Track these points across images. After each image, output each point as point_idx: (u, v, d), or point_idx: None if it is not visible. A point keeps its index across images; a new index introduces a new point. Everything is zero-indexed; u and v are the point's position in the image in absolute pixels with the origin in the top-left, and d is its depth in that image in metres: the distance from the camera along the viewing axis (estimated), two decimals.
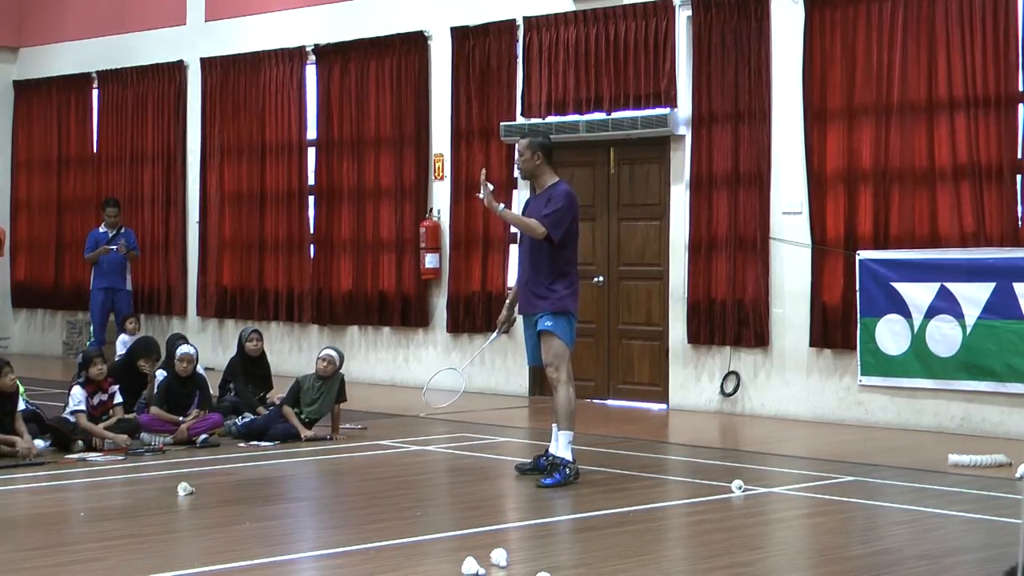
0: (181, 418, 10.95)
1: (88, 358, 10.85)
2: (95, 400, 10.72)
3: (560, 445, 9.20)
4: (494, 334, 10.02)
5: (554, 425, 9.35)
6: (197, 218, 17.77)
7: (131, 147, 18.63)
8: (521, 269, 9.56)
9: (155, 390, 11.16)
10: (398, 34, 15.74)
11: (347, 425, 11.61)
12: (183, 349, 11.29)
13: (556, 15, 14.31)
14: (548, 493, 8.90)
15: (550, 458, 9.22)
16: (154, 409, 10.99)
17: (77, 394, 10.62)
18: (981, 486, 9.20)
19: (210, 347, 16.87)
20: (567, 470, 9.09)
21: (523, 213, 9.50)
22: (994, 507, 8.44)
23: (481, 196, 9.41)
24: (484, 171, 9.81)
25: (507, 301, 9.91)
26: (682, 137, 13.48)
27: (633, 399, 13.93)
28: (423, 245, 15.27)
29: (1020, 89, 11.60)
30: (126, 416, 10.89)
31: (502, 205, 9.43)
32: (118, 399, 10.88)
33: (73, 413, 10.54)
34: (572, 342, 9.37)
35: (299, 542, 7.76)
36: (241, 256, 17.27)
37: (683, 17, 13.46)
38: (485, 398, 14.44)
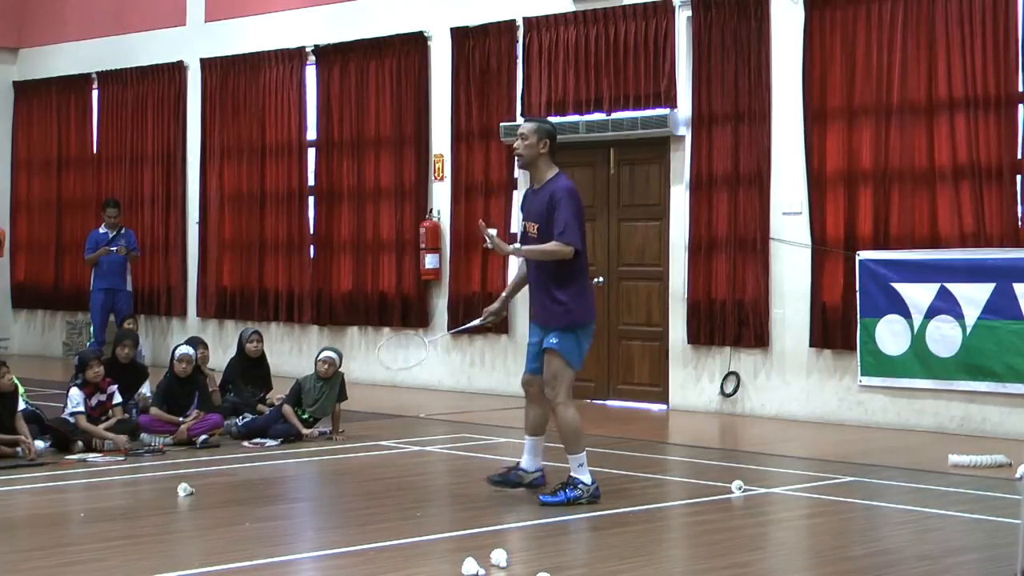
0: (181, 419, 10.95)
1: (84, 360, 10.84)
2: (93, 401, 10.73)
3: (572, 468, 8.58)
4: (475, 321, 9.28)
5: (528, 438, 8.79)
6: (197, 218, 17.77)
7: (131, 147, 18.63)
8: (529, 272, 8.78)
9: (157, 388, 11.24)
10: (398, 34, 15.74)
11: (321, 428, 11.47)
12: (182, 350, 11.30)
13: (556, 15, 14.31)
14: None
15: (568, 477, 8.61)
16: (154, 410, 11.00)
17: (75, 396, 10.62)
18: (981, 486, 9.20)
19: (210, 348, 16.83)
20: (577, 491, 8.47)
21: (522, 209, 8.84)
22: (994, 507, 8.44)
23: (489, 245, 8.68)
24: (482, 221, 9.15)
25: (503, 295, 9.19)
26: (682, 137, 13.48)
27: (633, 399, 13.92)
28: (423, 246, 15.27)
29: (1020, 89, 11.61)
30: (126, 416, 10.90)
31: (515, 244, 8.69)
32: (117, 399, 10.89)
33: (72, 415, 10.54)
34: (579, 360, 8.64)
35: (299, 542, 7.77)
36: (241, 256, 17.27)
37: (683, 17, 13.46)
38: (485, 398, 14.45)
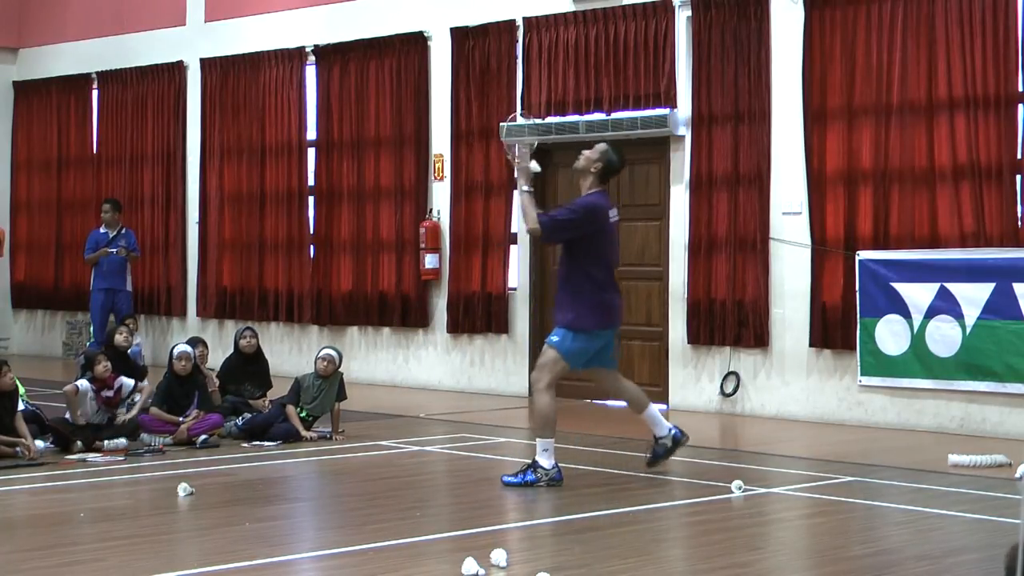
0: (181, 418, 10.95)
1: (90, 358, 10.89)
2: (102, 397, 10.75)
3: (537, 451, 9.16)
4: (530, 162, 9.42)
5: (641, 416, 9.59)
6: (197, 218, 17.77)
7: (131, 147, 18.63)
8: (559, 272, 9.60)
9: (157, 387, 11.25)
10: (398, 34, 15.74)
11: (321, 430, 11.49)
12: (180, 348, 11.32)
13: (556, 15, 14.31)
14: (515, 490, 8.98)
15: (532, 459, 9.16)
16: (154, 410, 11.00)
17: (85, 384, 10.63)
18: (981, 486, 9.20)
19: (210, 348, 16.82)
20: (536, 474, 9.04)
21: None
22: (994, 507, 8.44)
23: (515, 158, 9.31)
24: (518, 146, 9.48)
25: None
26: (682, 137, 13.48)
27: None
28: (423, 245, 15.26)
29: (1020, 89, 11.61)
30: (128, 417, 10.93)
31: (527, 188, 9.18)
32: (127, 388, 10.91)
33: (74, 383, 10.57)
34: (575, 357, 9.20)
35: (299, 542, 7.77)
36: (241, 256, 17.27)
37: (683, 17, 13.46)
38: (485, 398, 14.45)
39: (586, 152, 9.39)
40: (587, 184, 9.37)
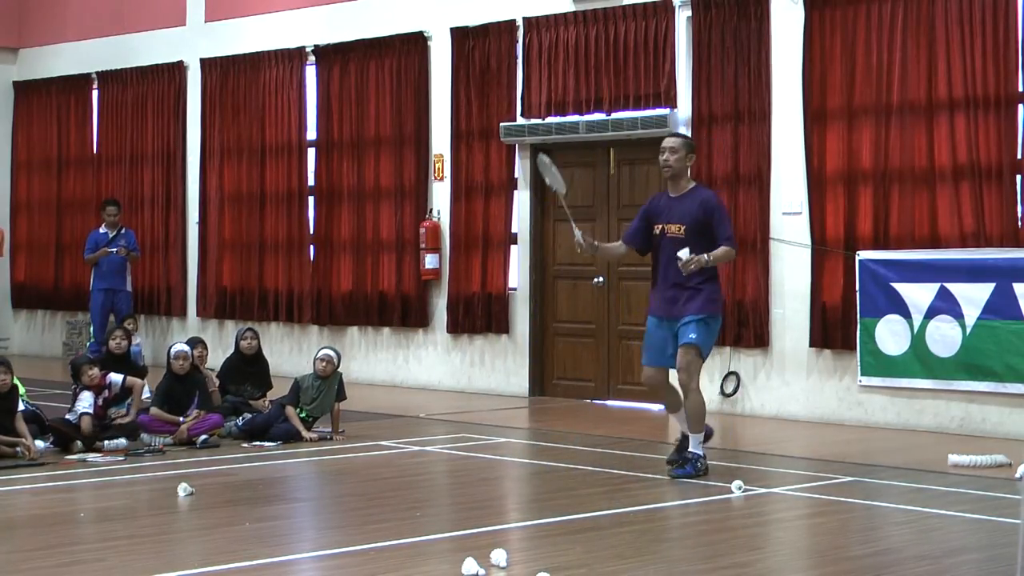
0: (181, 418, 10.95)
1: (77, 367, 10.86)
2: (99, 400, 10.75)
3: (691, 445, 9.58)
4: (576, 230, 9.88)
5: (673, 415, 9.94)
6: (197, 218, 17.76)
7: (131, 147, 18.62)
8: (664, 267, 9.61)
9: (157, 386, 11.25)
10: (398, 34, 15.74)
11: (321, 430, 11.52)
12: (177, 347, 11.32)
13: (556, 15, 14.31)
14: (680, 481, 9.36)
15: (685, 454, 9.59)
16: (154, 410, 10.99)
17: (87, 397, 10.62)
18: (981, 486, 9.20)
19: (210, 348, 16.82)
20: (699, 464, 9.47)
21: (656, 212, 9.67)
22: (994, 507, 8.44)
23: (692, 268, 9.32)
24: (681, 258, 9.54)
25: (597, 242, 10.08)
26: None
27: (633, 399, 13.91)
28: (423, 246, 15.26)
29: (1020, 89, 11.60)
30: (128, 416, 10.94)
31: (707, 256, 9.33)
32: (116, 385, 10.89)
33: (80, 416, 10.53)
34: (708, 347, 9.69)
35: (299, 542, 7.77)
36: (241, 256, 17.27)
37: (683, 17, 13.46)
38: (485, 398, 14.45)
39: (670, 155, 9.57)
40: (685, 180, 9.67)
